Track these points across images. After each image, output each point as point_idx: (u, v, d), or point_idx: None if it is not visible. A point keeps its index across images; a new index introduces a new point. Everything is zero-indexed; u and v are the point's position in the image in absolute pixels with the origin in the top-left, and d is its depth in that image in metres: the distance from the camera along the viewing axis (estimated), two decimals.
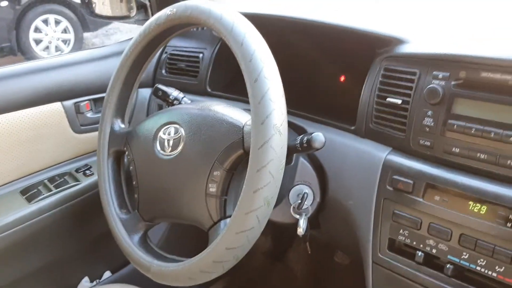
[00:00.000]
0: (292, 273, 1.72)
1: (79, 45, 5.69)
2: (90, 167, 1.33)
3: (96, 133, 1.32)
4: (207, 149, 0.87)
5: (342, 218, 1.00)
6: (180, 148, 0.90)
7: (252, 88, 0.77)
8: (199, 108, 0.93)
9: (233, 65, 1.27)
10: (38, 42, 5.46)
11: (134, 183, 0.98)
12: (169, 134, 0.93)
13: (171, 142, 0.92)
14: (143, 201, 0.97)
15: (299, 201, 0.98)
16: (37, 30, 5.42)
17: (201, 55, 1.32)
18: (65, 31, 5.59)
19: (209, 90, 1.30)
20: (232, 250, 0.79)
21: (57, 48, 5.56)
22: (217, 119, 0.88)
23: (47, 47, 5.52)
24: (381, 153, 0.92)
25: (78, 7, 5.56)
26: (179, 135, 0.91)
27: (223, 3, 0.88)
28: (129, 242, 0.96)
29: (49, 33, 5.48)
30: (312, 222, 1.04)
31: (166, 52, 1.40)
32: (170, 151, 0.91)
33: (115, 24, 6.28)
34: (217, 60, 1.31)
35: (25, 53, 5.39)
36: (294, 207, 0.99)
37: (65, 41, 5.60)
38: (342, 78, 1.15)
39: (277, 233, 1.71)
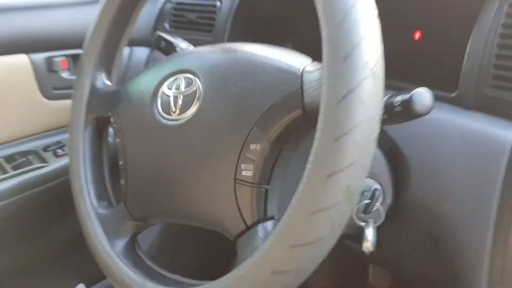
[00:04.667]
0: None
1: None
2: (63, 145, 1.11)
3: None
4: (240, 109, 0.60)
5: (427, 230, 0.73)
6: (194, 109, 0.64)
7: (325, 4, 0.49)
8: (225, 50, 0.67)
9: (263, 18, 1.10)
10: None
11: (120, 163, 0.74)
12: (177, 88, 0.67)
13: (180, 100, 0.67)
14: (133, 190, 0.72)
15: (367, 201, 0.70)
16: None
17: (218, 3, 1.10)
18: None
19: None
20: (282, 276, 0.50)
21: None
22: (256, 64, 0.60)
23: None
24: (507, 132, 0.66)
25: None
26: (194, 89, 0.65)
27: None
28: (108, 251, 0.72)
29: None
30: None
31: (171, 1, 1.18)
32: (178, 114, 0.66)
33: None
34: (240, 10, 1.07)
35: None
36: (358, 210, 0.70)
37: None
38: (418, 35, 0.88)
39: None
